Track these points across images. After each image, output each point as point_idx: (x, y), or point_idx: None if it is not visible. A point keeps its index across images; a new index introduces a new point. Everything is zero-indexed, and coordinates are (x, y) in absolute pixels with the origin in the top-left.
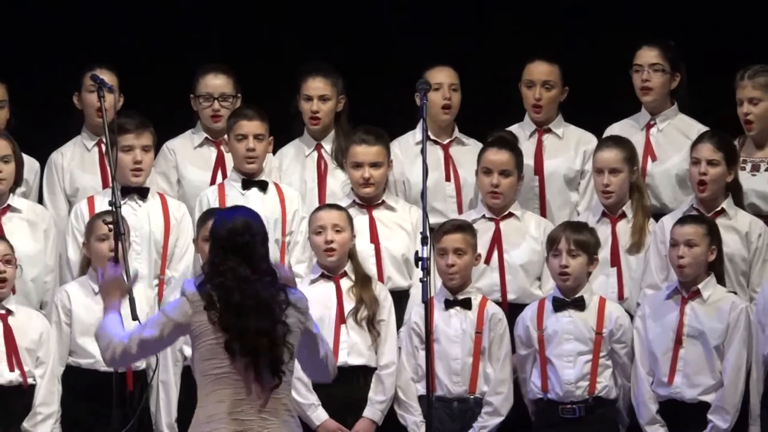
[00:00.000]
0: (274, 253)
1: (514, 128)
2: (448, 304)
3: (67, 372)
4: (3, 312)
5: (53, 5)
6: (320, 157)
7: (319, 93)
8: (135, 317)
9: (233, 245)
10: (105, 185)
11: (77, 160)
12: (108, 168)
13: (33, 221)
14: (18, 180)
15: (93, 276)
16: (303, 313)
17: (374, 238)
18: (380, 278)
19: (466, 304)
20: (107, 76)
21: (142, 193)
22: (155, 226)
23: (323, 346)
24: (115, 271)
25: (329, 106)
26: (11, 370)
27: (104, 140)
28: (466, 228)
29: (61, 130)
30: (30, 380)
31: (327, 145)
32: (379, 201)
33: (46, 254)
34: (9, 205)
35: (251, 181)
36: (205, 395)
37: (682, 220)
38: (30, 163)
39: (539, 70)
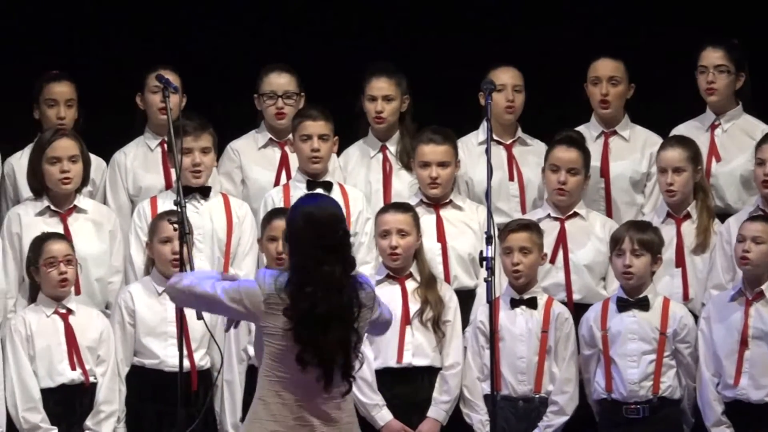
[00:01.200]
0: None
1: (580, 129)
2: (514, 303)
3: (131, 372)
4: (64, 311)
5: (119, 6)
6: (385, 159)
7: (383, 93)
8: (200, 317)
9: (329, 244)
10: (168, 185)
11: (140, 160)
12: (170, 168)
13: (98, 222)
14: (85, 180)
15: (157, 277)
16: (371, 308)
17: (441, 237)
18: (447, 278)
19: (532, 304)
20: (171, 77)
21: (204, 192)
22: (218, 224)
23: (385, 310)
24: None
25: (393, 106)
26: (73, 368)
27: (167, 140)
28: (532, 227)
29: (125, 130)
30: (92, 379)
31: (392, 146)
32: (447, 200)
33: (111, 255)
34: (75, 206)
35: (316, 181)
36: (267, 390)
37: (752, 218)
38: (97, 163)
39: (605, 66)
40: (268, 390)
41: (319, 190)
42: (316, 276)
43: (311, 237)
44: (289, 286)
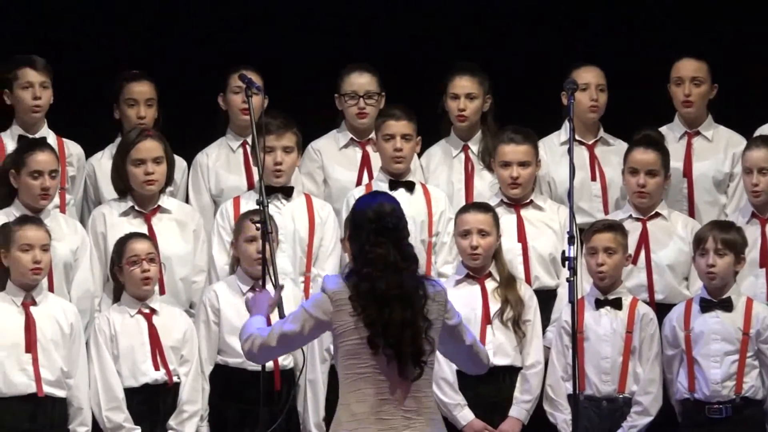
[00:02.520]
0: (420, 253)
1: (663, 129)
2: (599, 304)
3: (215, 371)
4: (148, 311)
5: (202, 5)
6: (467, 158)
7: (466, 91)
8: (283, 318)
9: (383, 227)
10: (250, 186)
11: (222, 161)
12: (252, 169)
13: (182, 221)
14: (169, 180)
15: (241, 276)
16: (442, 305)
17: (522, 237)
18: (527, 278)
19: (617, 304)
20: (253, 77)
21: (287, 192)
22: (300, 224)
23: (468, 335)
24: (263, 295)
25: (476, 105)
26: (156, 368)
27: (249, 141)
28: (616, 227)
29: (206, 130)
30: (175, 378)
31: (474, 146)
32: (527, 200)
33: (195, 254)
34: (159, 206)
35: (398, 181)
36: (347, 393)
37: None
38: (178, 163)
39: (687, 66)
40: (349, 392)
41: (402, 190)
42: (371, 257)
43: (367, 224)
44: (352, 275)
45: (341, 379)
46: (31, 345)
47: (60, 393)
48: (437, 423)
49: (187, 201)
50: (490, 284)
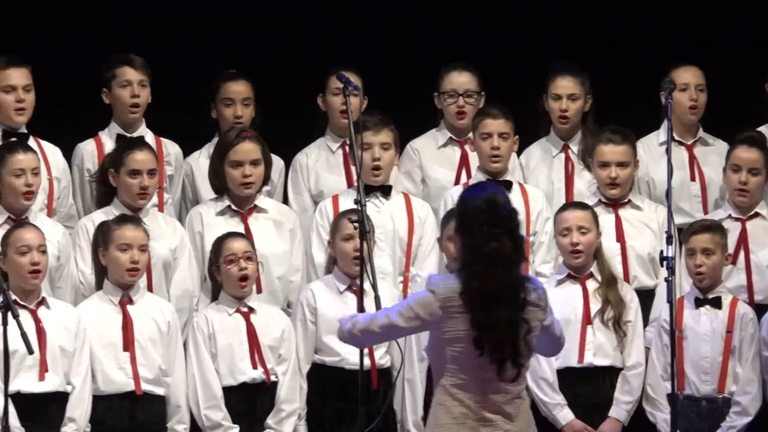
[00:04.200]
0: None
1: (762, 129)
2: (699, 303)
3: (312, 370)
4: (246, 310)
5: (300, 7)
6: (567, 158)
7: (568, 92)
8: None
9: (498, 218)
10: (349, 186)
11: (322, 162)
12: (351, 169)
13: (279, 221)
14: (265, 180)
15: (338, 275)
16: (543, 309)
17: (620, 237)
18: (626, 277)
19: (717, 303)
20: (352, 77)
21: (385, 191)
22: (399, 224)
23: (557, 327)
24: None
25: (578, 105)
26: (254, 367)
27: (348, 141)
28: (714, 228)
29: (303, 130)
30: (273, 377)
31: (574, 146)
32: (626, 200)
33: (291, 254)
34: (256, 206)
35: (496, 180)
36: (445, 395)
37: None
38: (275, 162)
39: None
40: (448, 395)
41: None
42: (485, 252)
43: (479, 215)
44: (462, 270)
45: (441, 380)
46: (128, 344)
47: (158, 391)
48: (532, 426)
49: (284, 200)
50: (591, 284)
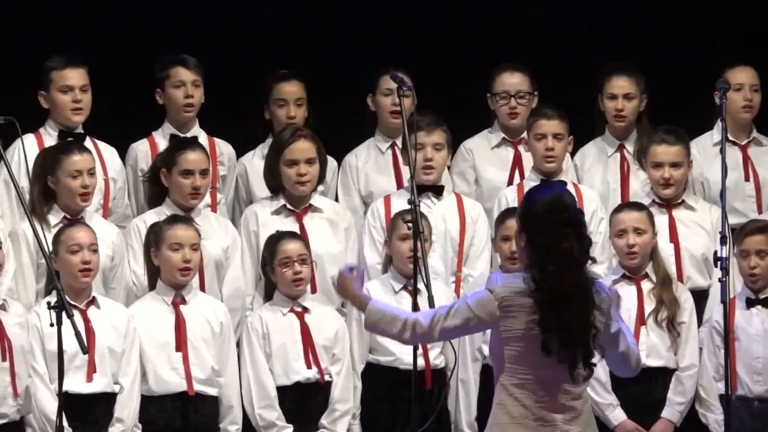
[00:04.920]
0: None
1: None
2: (750, 303)
3: (367, 369)
4: (300, 310)
5: (352, 7)
6: (623, 158)
7: (624, 91)
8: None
9: (567, 219)
10: (399, 187)
11: (371, 163)
12: (402, 170)
13: (334, 220)
14: (321, 179)
15: (394, 275)
16: (605, 313)
17: (674, 237)
18: (680, 277)
19: None
20: (404, 78)
21: (437, 191)
22: (451, 224)
23: (623, 341)
24: (346, 271)
25: (633, 105)
26: (308, 367)
27: (398, 142)
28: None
29: (355, 130)
30: (327, 377)
31: (629, 146)
32: (679, 200)
33: (346, 253)
34: (311, 205)
35: (550, 180)
36: (505, 395)
37: None
38: (329, 162)
39: None
40: (507, 395)
41: None
42: (558, 252)
43: (550, 215)
44: (531, 270)
45: (501, 380)
46: (181, 344)
47: (211, 391)
48: (593, 427)
49: (337, 201)
50: (646, 285)
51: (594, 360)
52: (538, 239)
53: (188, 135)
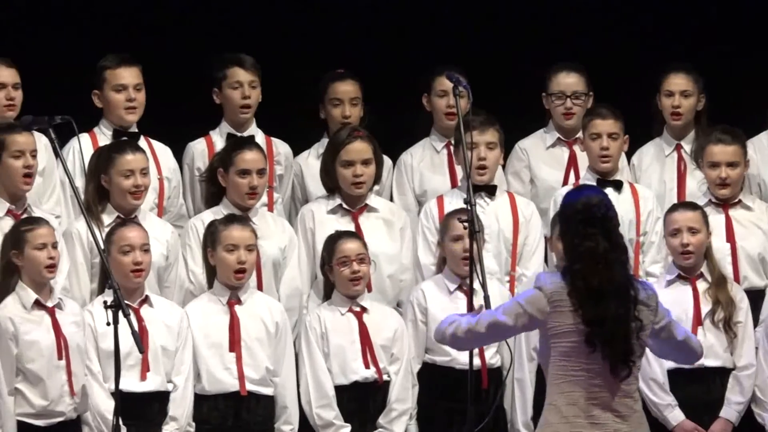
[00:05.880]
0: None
1: None
2: None
3: (423, 369)
4: (358, 309)
5: (407, 7)
6: (680, 158)
7: (680, 89)
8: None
9: (591, 218)
10: (453, 186)
11: (426, 162)
12: (456, 169)
13: (389, 220)
14: (377, 179)
15: (448, 275)
16: (653, 311)
17: (730, 237)
18: (736, 278)
19: None
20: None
21: (490, 190)
22: (504, 224)
23: (679, 330)
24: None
25: (690, 103)
26: (366, 366)
27: (453, 141)
28: None
29: (410, 130)
30: (385, 377)
31: (686, 145)
32: (736, 200)
33: (402, 252)
34: (367, 204)
35: (606, 180)
36: (556, 394)
37: None
38: (384, 161)
39: None
40: (558, 394)
41: (610, 189)
42: (581, 251)
43: (575, 216)
44: (565, 269)
45: (551, 379)
46: (234, 344)
47: (265, 391)
48: (645, 427)
49: (391, 200)
50: (702, 285)
51: (634, 358)
52: (567, 239)
53: (245, 134)
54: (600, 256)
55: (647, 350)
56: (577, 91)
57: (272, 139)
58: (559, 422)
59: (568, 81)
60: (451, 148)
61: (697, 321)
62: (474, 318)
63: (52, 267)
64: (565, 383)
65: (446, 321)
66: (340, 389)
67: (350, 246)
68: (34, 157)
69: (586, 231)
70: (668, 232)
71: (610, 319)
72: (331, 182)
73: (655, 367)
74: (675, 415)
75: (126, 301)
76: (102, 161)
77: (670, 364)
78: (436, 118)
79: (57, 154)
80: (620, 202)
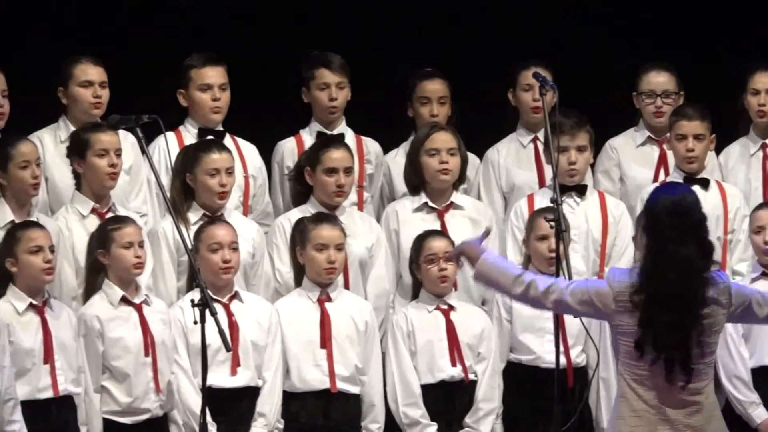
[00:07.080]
0: (716, 251)
1: None
2: None
3: (507, 368)
4: (445, 308)
5: (487, 5)
6: (765, 157)
7: (767, 87)
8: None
9: (687, 223)
10: (541, 182)
11: (513, 157)
12: (544, 166)
13: (475, 219)
14: (462, 177)
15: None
16: (725, 306)
17: None
18: None
19: None
20: (545, 74)
21: (581, 190)
22: (593, 224)
23: (765, 306)
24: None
25: None
26: (453, 365)
27: (539, 137)
28: None
29: (497, 126)
30: (471, 376)
31: None
32: None
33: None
34: (452, 202)
35: (693, 178)
36: (626, 389)
37: None
38: (471, 160)
39: None
40: (628, 387)
41: (697, 187)
42: (674, 257)
43: (668, 218)
44: (641, 270)
45: (620, 372)
46: (326, 341)
47: (353, 389)
48: (717, 420)
49: (479, 197)
50: None
51: (693, 364)
52: (656, 241)
53: (335, 132)
54: (692, 265)
55: (731, 347)
56: (668, 90)
57: (362, 138)
58: (631, 415)
59: (659, 80)
60: (539, 143)
61: None
62: (543, 285)
63: (140, 265)
64: (632, 380)
65: (507, 278)
66: (426, 388)
67: (438, 244)
68: (118, 156)
69: (680, 236)
70: (752, 229)
71: (661, 327)
72: (416, 178)
73: (739, 365)
74: (759, 413)
75: (216, 297)
76: (188, 160)
77: (754, 362)
78: (522, 113)
79: (144, 153)
80: (708, 199)
